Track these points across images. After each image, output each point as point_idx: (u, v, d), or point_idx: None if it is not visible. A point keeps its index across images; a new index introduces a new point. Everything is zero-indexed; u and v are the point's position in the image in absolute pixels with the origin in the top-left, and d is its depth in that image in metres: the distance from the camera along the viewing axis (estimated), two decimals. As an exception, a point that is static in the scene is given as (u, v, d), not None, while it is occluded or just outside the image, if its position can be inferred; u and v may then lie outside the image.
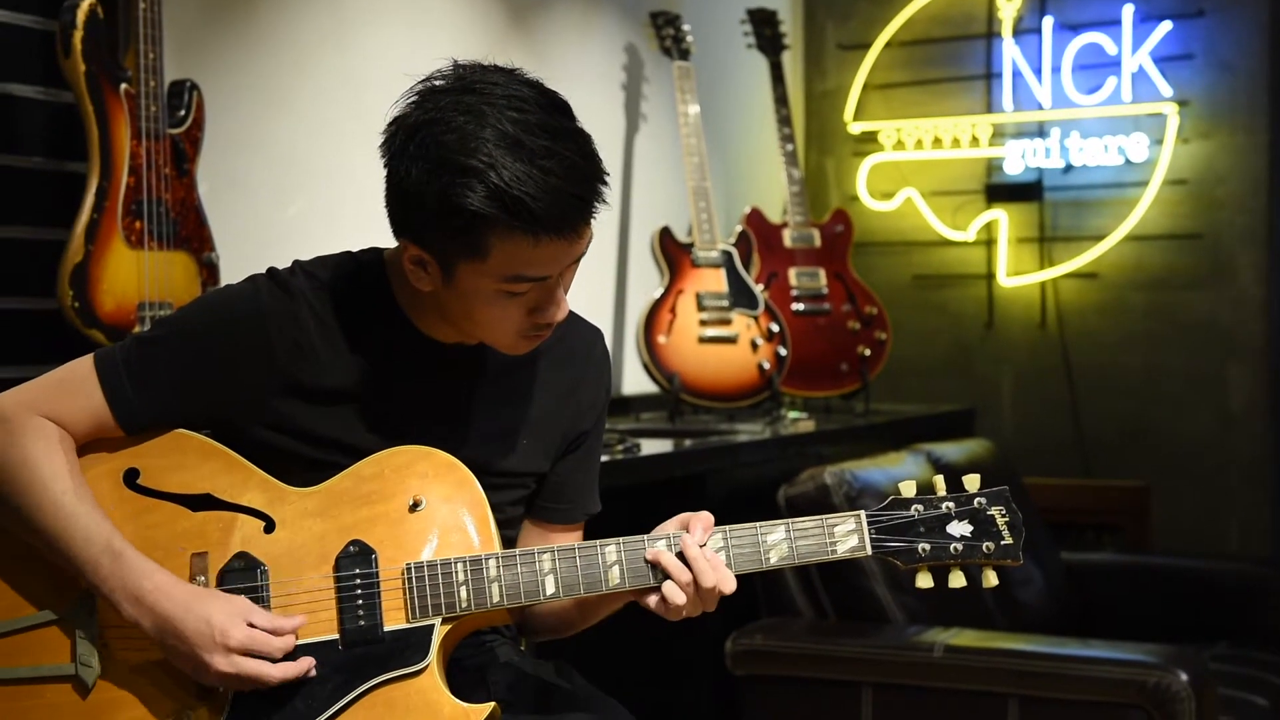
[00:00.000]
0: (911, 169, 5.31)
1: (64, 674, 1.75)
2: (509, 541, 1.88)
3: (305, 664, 1.71)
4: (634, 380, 4.28)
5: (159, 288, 2.68)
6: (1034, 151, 5.10)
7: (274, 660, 1.69)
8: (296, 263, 1.84)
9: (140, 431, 1.80)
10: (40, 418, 1.76)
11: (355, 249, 1.88)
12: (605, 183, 1.69)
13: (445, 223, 1.65)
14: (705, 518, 1.76)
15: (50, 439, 1.75)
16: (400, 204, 1.70)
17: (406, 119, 1.69)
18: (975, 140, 5.20)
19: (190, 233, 2.77)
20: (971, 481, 1.80)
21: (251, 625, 1.70)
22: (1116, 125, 5.01)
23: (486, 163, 1.62)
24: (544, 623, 1.96)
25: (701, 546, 1.74)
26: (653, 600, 1.75)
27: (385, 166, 1.71)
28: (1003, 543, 1.78)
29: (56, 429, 1.76)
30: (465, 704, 1.71)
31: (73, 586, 1.76)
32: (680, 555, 1.73)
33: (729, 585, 1.74)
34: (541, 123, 1.65)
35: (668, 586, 1.73)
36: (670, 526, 1.78)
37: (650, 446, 3.38)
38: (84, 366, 1.79)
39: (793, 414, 4.22)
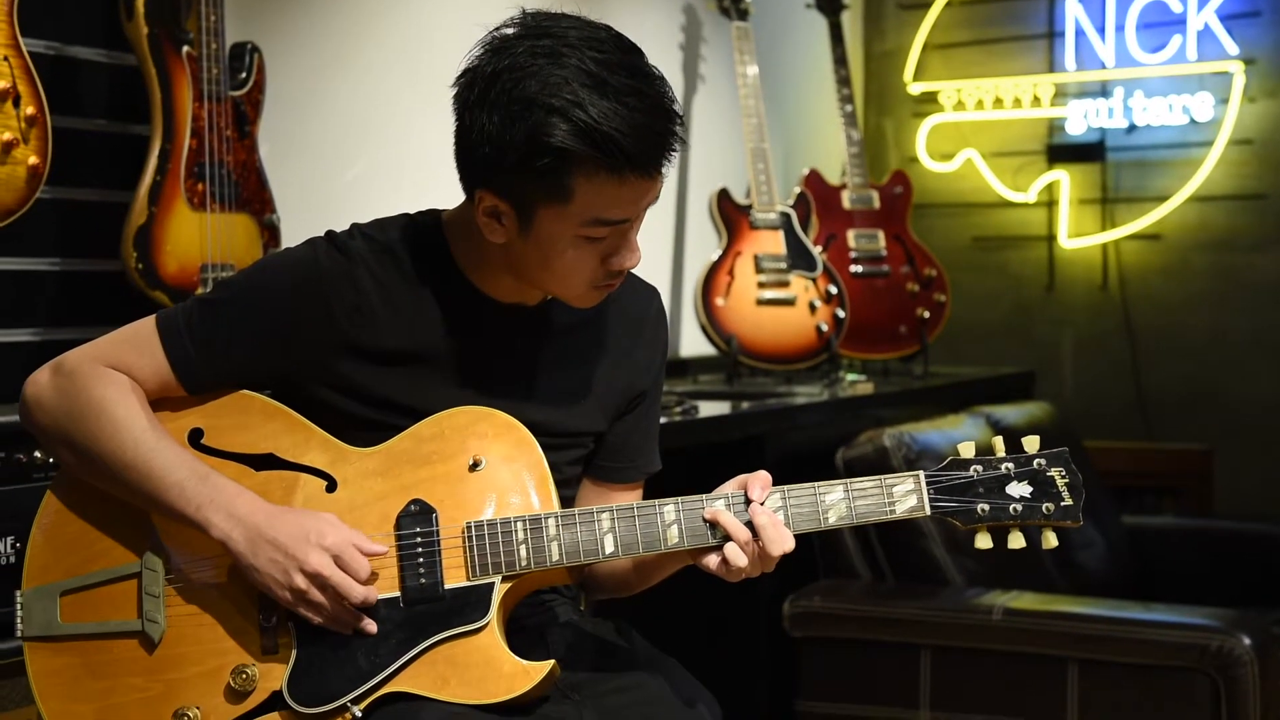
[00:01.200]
0: (972, 130, 5.26)
1: (130, 630, 1.77)
2: (567, 501, 1.89)
3: (376, 594, 1.72)
4: (692, 342, 4.28)
5: (221, 250, 2.70)
6: (1097, 111, 5.04)
7: (359, 581, 1.70)
8: (355, 226, 1.84)
9: (202, 391, 1.82)
10: (108, 368, 1.78)
11: (413, 211, 1.88)
12: (682, 122, 1.70)
13: (528, 165, 1.66)
14: (763, 477, 1.76)
15: (122, 385, 1.77)
16: (476, 154, 1.70)
17: (482, 68, 1.69)
18: (1037, 100, 5.14)
19: (252, 195, 2.79)
20: (1031, 443, 1.79)
21: None
22: (1181, 84, 4.94)
23: (572, 100, 1.63)
24: (602, 583, 1.97)
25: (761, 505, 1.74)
26: (713, 561, 1.75)
27: (457, 118, 1.71)
28: (1062, 504, 1.77)
29: (126, 377, 1.78)
30: (525, 661, 1.71)
31: (142, 543, 1.78)
32: (748, 523, 1.73)
33: (788, 544, 1.74)
34: (622, 62, 1.66)
35: (729, 548, 1.73)
36: (729, 488, 1.78)
37: (708, 408, 3.37)
38: (146, 327, 1.81)
39: (851, 376, 4.21)
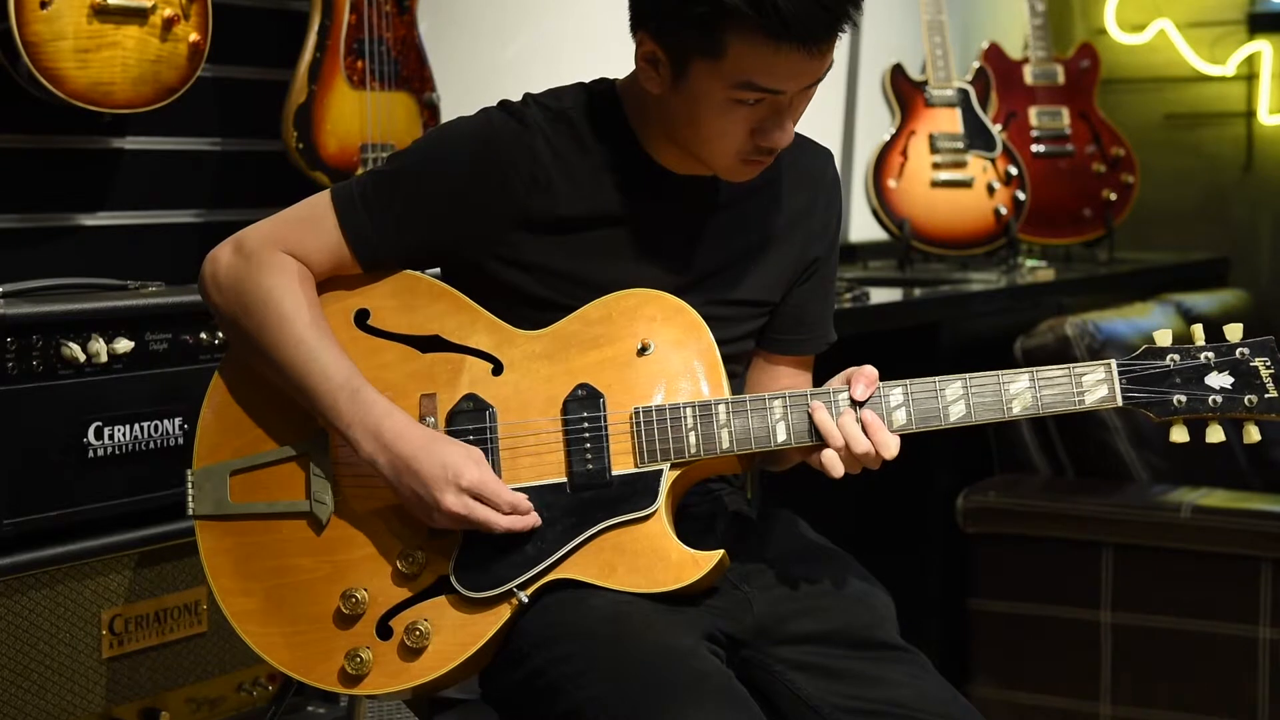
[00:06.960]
0: (1165, -2, 5.05)
1: (299, 510, 1.79)
2: (737, 375, 1.86)
3: (532, 519, 1.71)
4: (862, 226, 4.20)
5: (381, 129, 2.70)
6: (1302, -22, 4.79)
7: (502, 512, 1.70)
8: (529, 95, 1.82)
9: (378, 267, 1.82)
10: (282, 253, 1.78)
11: (586, 80, 1.85)
12: (858, 4, 1.64)
13: (686, 11, 1.62)
14: (868, 373, 1.70)
15: (291, 275, 1.77)
16: None
17: None
18: (1238, -35, 4.92)
19: (411, 72, 2.77)
20: (1233, 331, 1.70)
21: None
22: (1398, -53, 4.66)
23: None
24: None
25: (862, 405, 1.68)
26: (814, 459, 1.71)
27: None
28: (1267, 396, 1.68)
29: (297, 265, 1.78)
30: (693, 550, 1.69)
31: (309, 424, 1.79)
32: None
33: (888, 450, 1.67)
34: None
35: (825, 452, 1.68)
36: (835, 383, 1.73)
37: (879, 295, 3.34)
38: (321, 202, 1.81)
39: (1031, 262, 4.14)
